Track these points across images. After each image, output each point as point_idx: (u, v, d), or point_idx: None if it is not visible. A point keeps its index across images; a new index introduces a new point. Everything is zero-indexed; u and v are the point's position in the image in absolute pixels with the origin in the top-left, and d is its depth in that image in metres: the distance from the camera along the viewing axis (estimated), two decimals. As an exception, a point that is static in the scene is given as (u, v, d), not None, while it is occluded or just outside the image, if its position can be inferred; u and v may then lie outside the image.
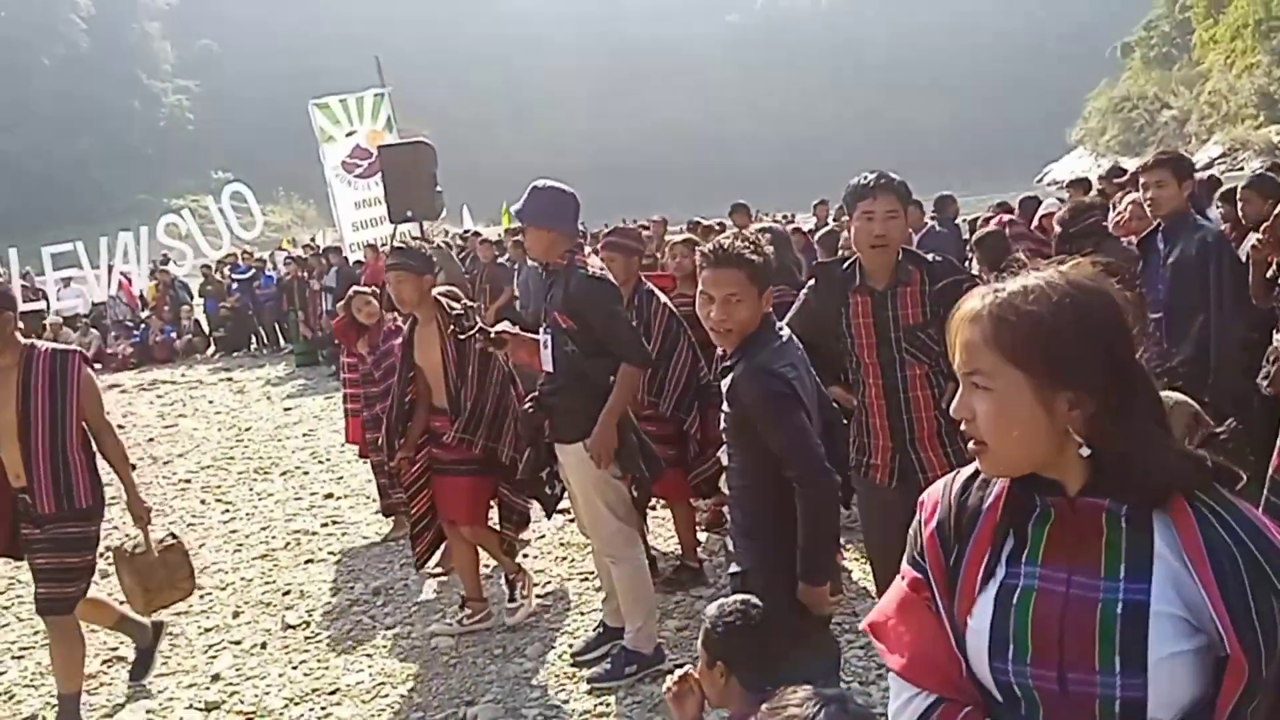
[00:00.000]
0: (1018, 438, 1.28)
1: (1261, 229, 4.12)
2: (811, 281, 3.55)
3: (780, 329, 2.92)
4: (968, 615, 1.36)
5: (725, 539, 3.83)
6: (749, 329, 2.77)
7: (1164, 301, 4.31)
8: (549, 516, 4.78)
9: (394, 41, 71.88)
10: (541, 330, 4.19)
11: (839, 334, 3.33)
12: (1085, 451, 1.27)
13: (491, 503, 4.89)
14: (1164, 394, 3.55)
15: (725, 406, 2.86)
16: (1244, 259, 4.32)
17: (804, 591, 2.70)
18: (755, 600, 2.48)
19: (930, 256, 3.40)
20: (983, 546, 1.36)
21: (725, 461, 2.96)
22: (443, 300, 4.63)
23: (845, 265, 3.40)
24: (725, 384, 2.83)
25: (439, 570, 5.43)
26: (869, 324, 3.29)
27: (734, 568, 2.90)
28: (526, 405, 4.25)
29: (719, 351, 2.99)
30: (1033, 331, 1.24)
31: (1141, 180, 4.47)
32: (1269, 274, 4.14)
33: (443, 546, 5.08)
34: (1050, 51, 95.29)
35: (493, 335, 4.28)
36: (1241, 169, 29.39)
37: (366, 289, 6.46)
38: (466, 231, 19.46)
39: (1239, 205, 5.44)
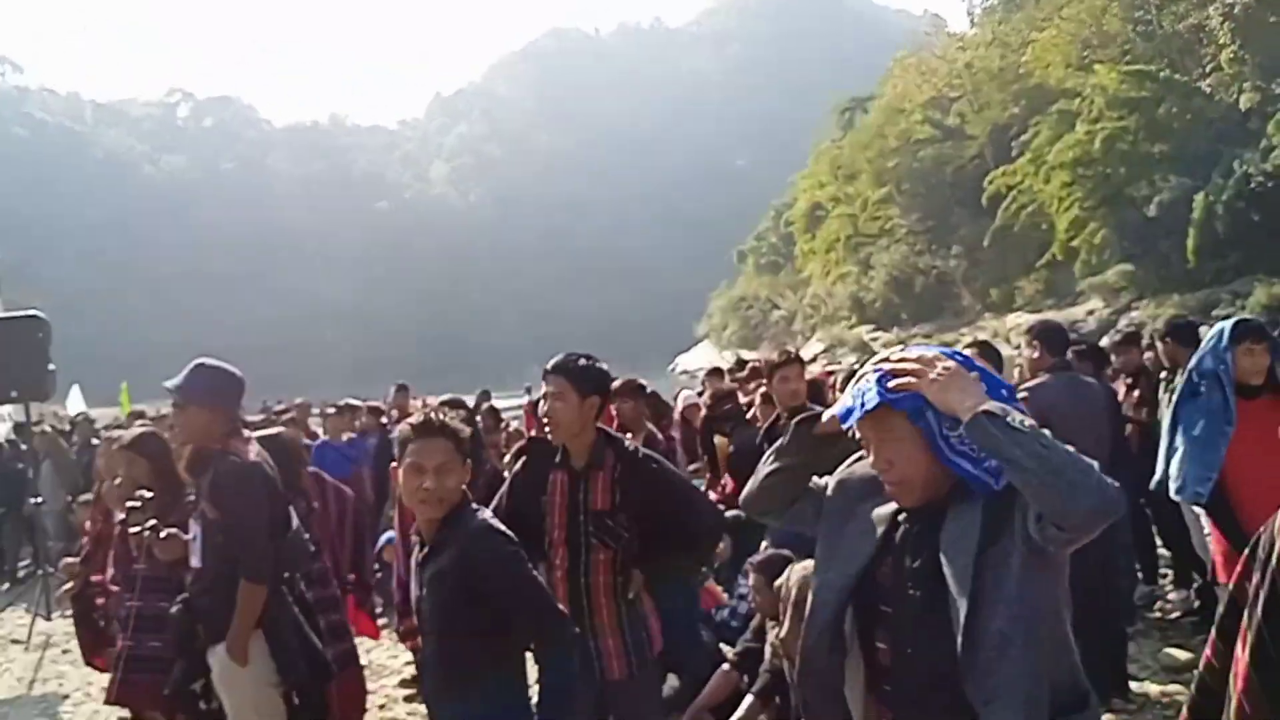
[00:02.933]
0: None
1: None
2: (524, 457, 3.56)
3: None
4: None
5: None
6: (455, 499, 2.74)
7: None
8: None
9: (7, 205, 65.74)
10: (191, 522, 3.85)
11: (540, 511, 3.32)
12: None
13: None
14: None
15: (430, 591, 2.76)
16: None
17: None
18: None
19: (629, 443, 3.45)
20: None
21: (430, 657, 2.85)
22: None
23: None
24: (437, 565, 2.73)
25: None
26: (562, 503, 3.29)
27: None
28: (175, 608, 3.83)
29: (414, 538, 2.89)
30: None
31: (779, 374, 4.98)
32: None
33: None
34: (680, 253, 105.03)
35: (164, 535, 3.86)
36: (840, 364, 33.48)
37: None
38: (78, 415, 17.50)
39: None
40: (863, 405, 1.89)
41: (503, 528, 2.76)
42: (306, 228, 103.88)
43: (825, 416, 2.09)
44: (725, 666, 4.23)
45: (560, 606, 2.83)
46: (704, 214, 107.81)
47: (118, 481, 4.60)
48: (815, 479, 2.16)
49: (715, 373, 9.46)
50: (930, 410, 1.83)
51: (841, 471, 2.13)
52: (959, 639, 1.77)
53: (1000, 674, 1.75)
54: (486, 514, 2.82)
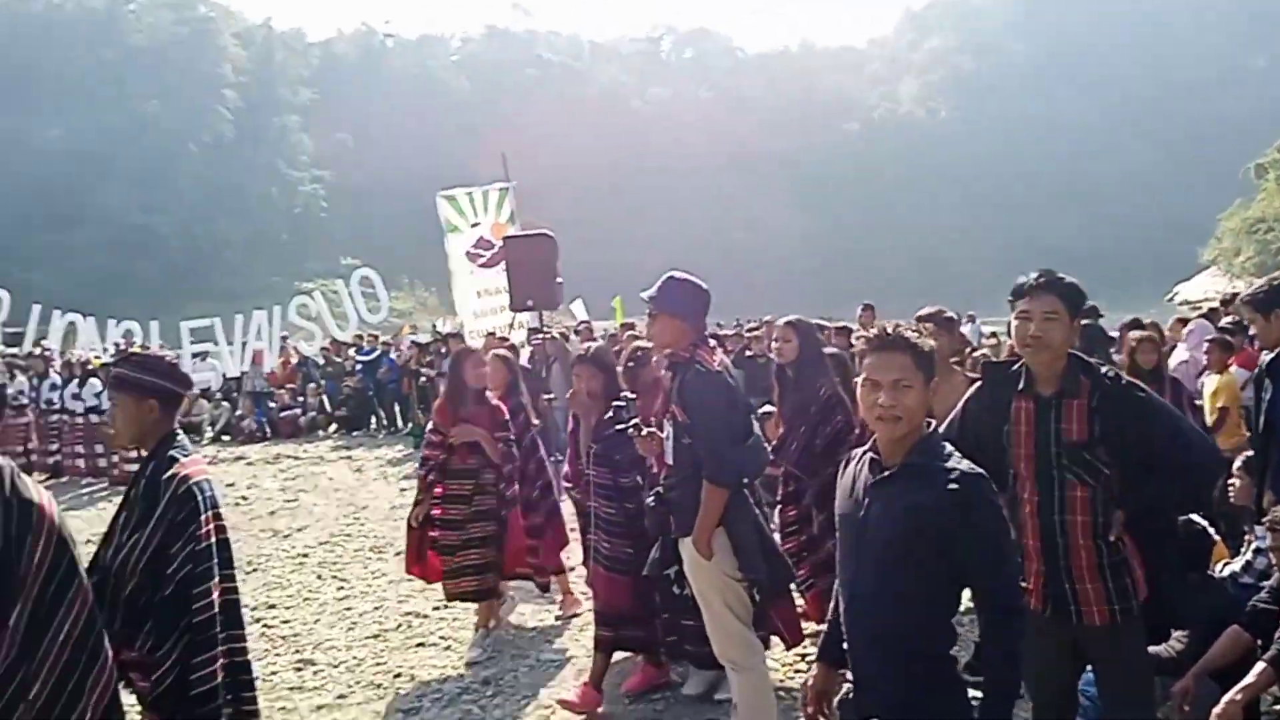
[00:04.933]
0: None
1: None
2: (978, 383, 3.36)
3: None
4: None
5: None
6: (916, 420, 2.53)
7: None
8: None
9: (518, 138, 74.62)
10: (665, 422, 4.20)
11: (1001, 443, 3.10)
12: None
13: None
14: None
15: (883, 517, 2.52)
16: None
17: None
18: None
19: (1105, 370, 3.12)
20: None
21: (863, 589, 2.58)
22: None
23: (1014, 366, 3.17)
24: (904, 499, 2.48)
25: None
26: (1029, 434, 3.06)
27: None
28: (649, 499, 4.25)
29: (869, 456, 2.65)
30: None
31: None
32: None
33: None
34: (1177, 171, 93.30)
35: (645, 433, 4.29)
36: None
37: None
38: (581, 323, 19.87)
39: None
40: None
41: (987, 477, 2.48)
42: (775, 152, 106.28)
43: None
44: (1235, 627, 3.78)
45: (1023, 599, 2.65)
46: (1210, 124, 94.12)
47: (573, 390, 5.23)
48: None
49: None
50: None
51: None
52: None
53: None
54: (955, 453, 2.54)
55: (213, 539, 2.95)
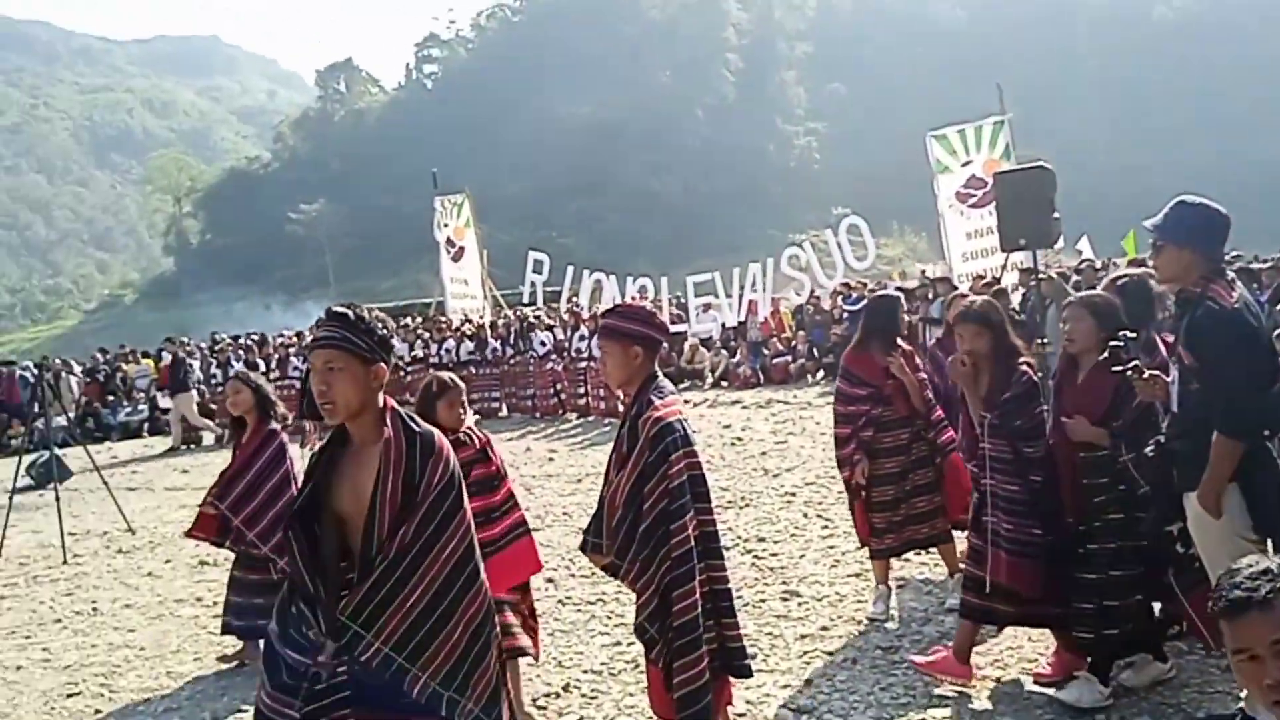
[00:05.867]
0: None
1: None
2: None
3: None
4: None
5: None
6: None
7: None
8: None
9: (1017, 69, 70.21)
10: (1171, 364, 3.80)
11: None
12: None
13: None
14: None
15: None
16: None
17: None
18: None
19: None
20: None
21: None
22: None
23: None
24: None
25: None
26: None
27: None
28: (1148, 450, 3.85)
29: None
30: None
31: None
32: None
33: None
34: None
35: (1146, 376, 3.89)
36: None
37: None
38: (1083, 262, 18.39)
39: None
40: None
41: None
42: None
43: None
44: None
45: None
46: None
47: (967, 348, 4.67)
48: None
49: None
50: None
51: None
52: None
53: None
54: None
55: (684, 476, 3.22)
